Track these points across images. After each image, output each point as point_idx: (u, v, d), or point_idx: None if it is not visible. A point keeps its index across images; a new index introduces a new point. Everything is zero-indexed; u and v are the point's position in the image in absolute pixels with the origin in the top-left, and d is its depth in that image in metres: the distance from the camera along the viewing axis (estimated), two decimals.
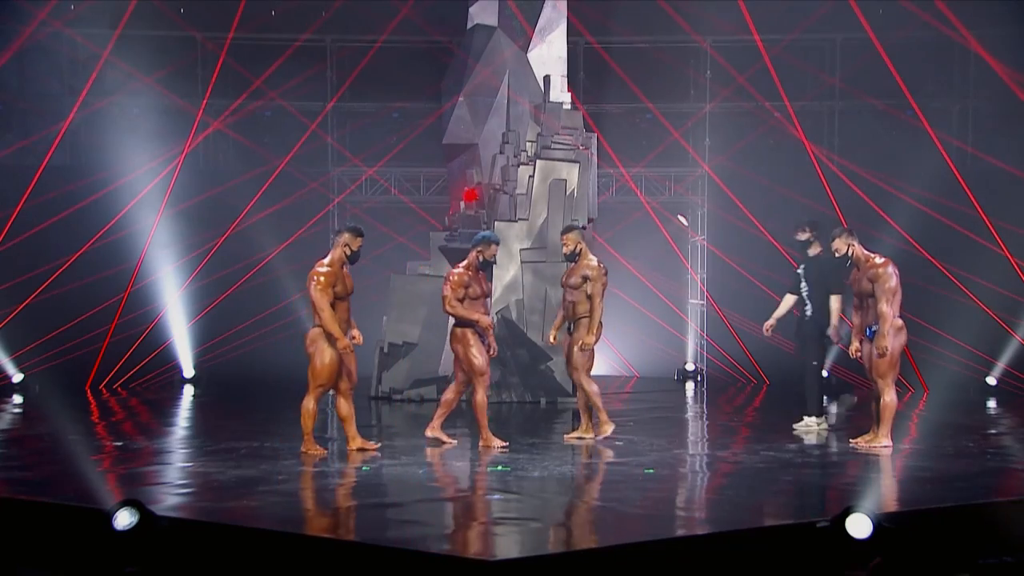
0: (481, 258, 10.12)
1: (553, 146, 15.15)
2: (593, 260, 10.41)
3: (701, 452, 10.44)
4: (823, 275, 11.36)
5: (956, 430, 11.70)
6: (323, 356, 9.48)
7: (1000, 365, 16.69)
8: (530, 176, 14.95)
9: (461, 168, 16.14)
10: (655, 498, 7.83)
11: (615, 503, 7.67)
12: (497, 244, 10.29)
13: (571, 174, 14.95)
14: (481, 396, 10.05)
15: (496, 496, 7.95)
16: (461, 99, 15.91)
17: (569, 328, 10.52)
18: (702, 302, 19.64)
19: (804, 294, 11.50)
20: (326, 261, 9.67)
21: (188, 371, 17.62)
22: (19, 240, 16.83)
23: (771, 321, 11.67)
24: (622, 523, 7.10)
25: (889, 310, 9.89)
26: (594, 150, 15.58)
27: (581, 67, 19.50)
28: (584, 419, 10.67)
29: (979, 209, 17.11)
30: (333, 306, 9.49)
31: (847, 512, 6.47)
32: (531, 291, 14.62)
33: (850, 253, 10.19)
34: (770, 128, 19.71)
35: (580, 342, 10.33)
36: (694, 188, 19.85)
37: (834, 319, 11.37)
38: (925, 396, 15.78)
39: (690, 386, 18.27)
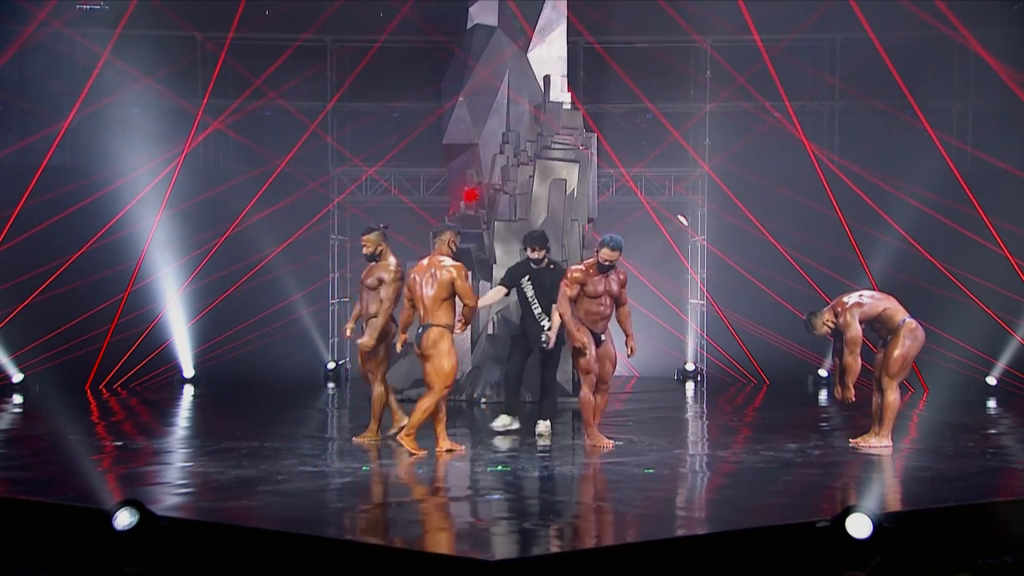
0: (603, 261, 10.02)
1: (553, 146, 15.14)
2: (391, 263, 10.22)
3: (701, 452, 10.44)
4: (552, 285, 11.11)
5: (956, 430, 11.69)
6: (450, 356, 9.48)
7: (1000, 365, 16.70)
8: (530, 176, 14.95)
9: (461, 168, 16.14)
10: (655, 498, 7.83)
11: (615, 503, 7.67)
12: (610, 248, 9.98)
13: (571, 174, 14.95)
14: (585, 393, 10.11)
15: (496, 496, 7.95)
16: (461, 99, 15.91)
17: (363, 326, 10.46)
18: (702, 302, 19.64)
19: (535, 306, 11.20)
20: (448, 257, 9.64)
21: (188, 371, 17.62)
22: (19, 240, 16.83)
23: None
24: (622, 523, 7.10)
25: (854, 360, 9.97)
26: (594, 150, 15.58)
27: (581, 67, 19.49)
28: (374, 423, 10.47)
29: (979, 209, 17.11)
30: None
31: (847, 512, 6.47)
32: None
33: (832, 327, 10.14)
34: (770, 128, 19.69)
35: (349, 333, 10.42)
36: (694, 188, 19.85)
37: (555, 328, 10.95)
38: (925, 396, 15.78)
39: (690, 386, 18.27)
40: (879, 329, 10.16)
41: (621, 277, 10.21)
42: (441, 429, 9.75)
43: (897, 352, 10.00)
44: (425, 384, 9.63)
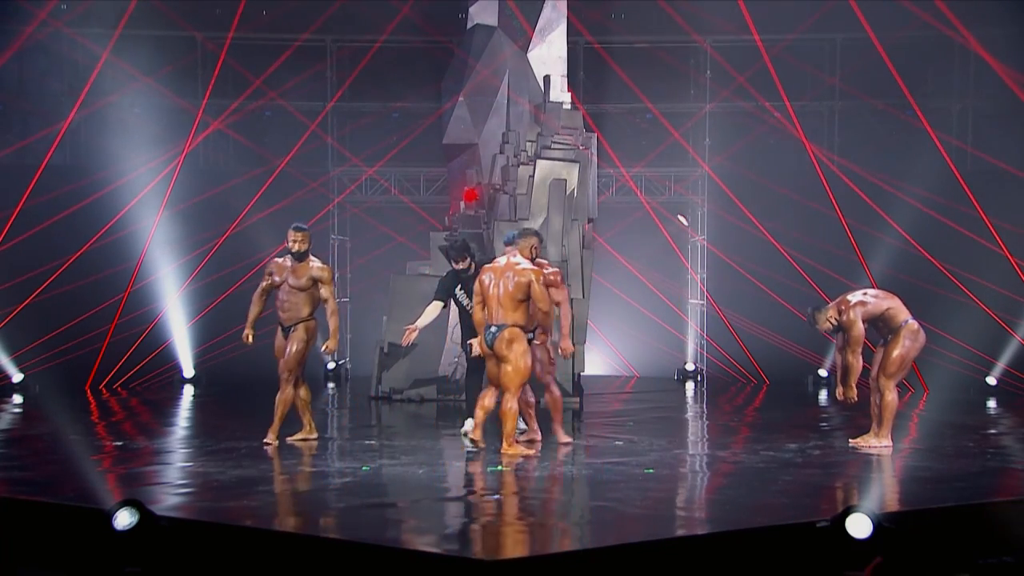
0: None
1: (553, 146, 15.15)
2: (320, 263, 10.19)
3: (701, 452, 10.44)
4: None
5: (956, 430, 11.70)
6: (526, 357, 9.52)
7: (1000, 365, 16.69)
8: (530, 176, 14.95)
9: (461, 168, 16.14)
10: (655, 498, 7.83)
11: (615, 503, 7.67)
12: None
13: (571, 174, 14.95)
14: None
15: (496, 496, 7.95)
16: (461, 99, 15.91)
17: (285, 331, 10.10)
18: (702, 302, 19.65)
19: (468, 307, 10.88)
20: (524, 261, 9.69)
21: (188, 371, 17.61)
22: (19, 240, 16.83)
23: (415, 330, 11.14)
24: (622, 523, 7.10)
25: (855, 359, 9.99)
26: (594, 150, 15.58)
27: (581, 67, 19.50)
28: (306, 420, 10.35)
29: (979, 209, 17.12)
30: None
31: (847, 512, 6.47)
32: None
33: (834, 323, 10.15)
34: (770, 128, 19.70)
35: (325, 346, 10.07)
36: (694, 188, 19.85)
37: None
38: (925, 396, 15.78)
39: (690, 386, 18.27)
40: (880, 328, 10.16)
41: (548, 277, 10.08)
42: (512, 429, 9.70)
43: (896, 352, 10.00)
44: (500, 385, 9.56)
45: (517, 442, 9.85)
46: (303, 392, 10.32)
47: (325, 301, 10.11)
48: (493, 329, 9.51)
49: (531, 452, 9.73)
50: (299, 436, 10.40)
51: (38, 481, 8.38)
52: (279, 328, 10.19)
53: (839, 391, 10.20)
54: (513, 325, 9.45)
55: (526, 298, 9.50)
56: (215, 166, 20.10)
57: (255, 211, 18.27)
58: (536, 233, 10.04)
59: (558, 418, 10.45)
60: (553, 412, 10.44)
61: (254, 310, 10.25)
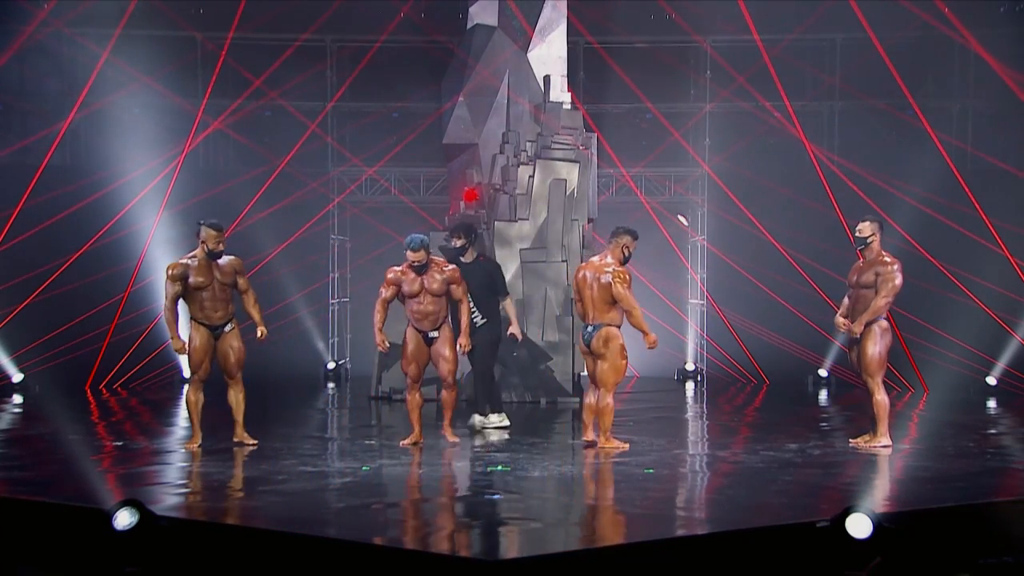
0: (411, 262, 10.12)
1: (553, 146, 15.15)
2: (239, 260, 10.23)
3: (701, 452, 10.45)
4: (486, 281, 11.12)
5: (956, 430, 11.70)
6: (623, 355, 9.87)
7: (1000, 365, 16.68)
8: (530, 176, 14.96)
9: (461, 168, 16.14)
10: (655, 498, 7.84)
11: (615, 503, 7.67)
12: (411, 250, 10.00)
13: (571, 174, 14.96)
14: (407, 394, 10.39)
15: (496, 496, 7.95)
16: (461, 99, 15.90)
17: (214, 330, 10.11)
18: (702, 302, 19.64)
19: (469, 302, 10.59)
20: (614, 261, 9.89)
21: (188, 371, 17.59)
22: (19, 240, 16.82)
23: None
24: (622, 523, 7.10)
25: (884, 305, 10.01)
26: (594, 150, 15.58)
27: (581, 67, 19.48)
28: (196, 423, 10.23)
29: (979, 209, 17.10)
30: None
31: (847, 512, 6.48)
32: (531, 291, 14.64)
33: (869, 241, 10.24)
34: (770, 128, 19.68)
35: (262, 332, 10.17)
36: (694, 188, 19.84)
37: (514, 320, 11.25)
38: (925, 396, 15.78)
39: (690, 386, 18.27)
40: (859, 310, 10.18)
41: (448, 274, 10.10)
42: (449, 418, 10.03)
43: (870, 351, 10.03)
44: (597, 382, 9.90)
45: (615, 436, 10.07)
46: (201, 397, 10.20)
47: (245, 292, 10.18)
48: (590, 328, 9.83)
49: (626, 446, 9.99)
50: (195, 443, 10.11)
51: (38, 481, 8.39)
52: (201, 328, 10.07)
53: (840, 322, 10.21)
54: (608, 324, 9.74)
55: (613, 299, 9.77)
56: (215, 166, 20.09)
57: (255, 211, 18.25)
58: (628, 231, 10.13)
59: (448, 415, 10.44)
60: (445, 410, 10.47)
61: (176, 317, 10.03)
